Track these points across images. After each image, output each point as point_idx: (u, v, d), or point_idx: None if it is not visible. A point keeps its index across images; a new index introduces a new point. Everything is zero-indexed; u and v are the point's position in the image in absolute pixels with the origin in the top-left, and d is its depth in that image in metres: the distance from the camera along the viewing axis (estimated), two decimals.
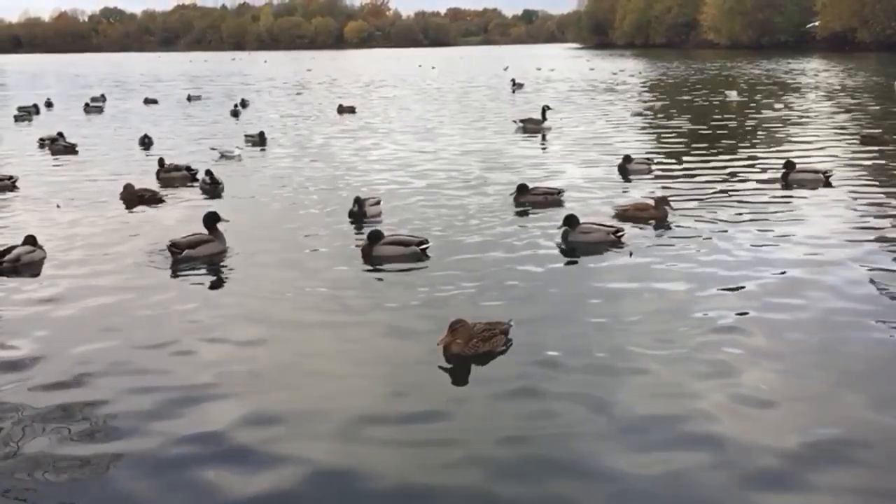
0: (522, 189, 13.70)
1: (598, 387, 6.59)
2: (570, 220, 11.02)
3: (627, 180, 15.87)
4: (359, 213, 12.57)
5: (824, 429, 5.91)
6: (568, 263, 10.27)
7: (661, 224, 11.75)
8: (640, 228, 11.68)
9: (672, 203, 12.31)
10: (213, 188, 15.26)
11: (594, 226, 11.05)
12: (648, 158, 17.41)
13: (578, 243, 10.80)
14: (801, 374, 6.79)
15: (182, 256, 10.43)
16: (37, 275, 10.14)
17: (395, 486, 5.32)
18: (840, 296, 8.67)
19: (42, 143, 22.70)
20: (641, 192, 14.52)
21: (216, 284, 9.74)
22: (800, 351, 7.29)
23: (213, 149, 20.54)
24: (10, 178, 16.46)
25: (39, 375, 7.01)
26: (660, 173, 16.59)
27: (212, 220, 10.84)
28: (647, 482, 5.29)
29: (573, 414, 6.17)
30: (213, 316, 8.47)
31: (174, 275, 10.06)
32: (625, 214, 12.20)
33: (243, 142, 22.16)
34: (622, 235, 10.82)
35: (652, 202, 12.28)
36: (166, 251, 10.65)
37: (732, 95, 35.11)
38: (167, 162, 17.32)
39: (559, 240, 11.04)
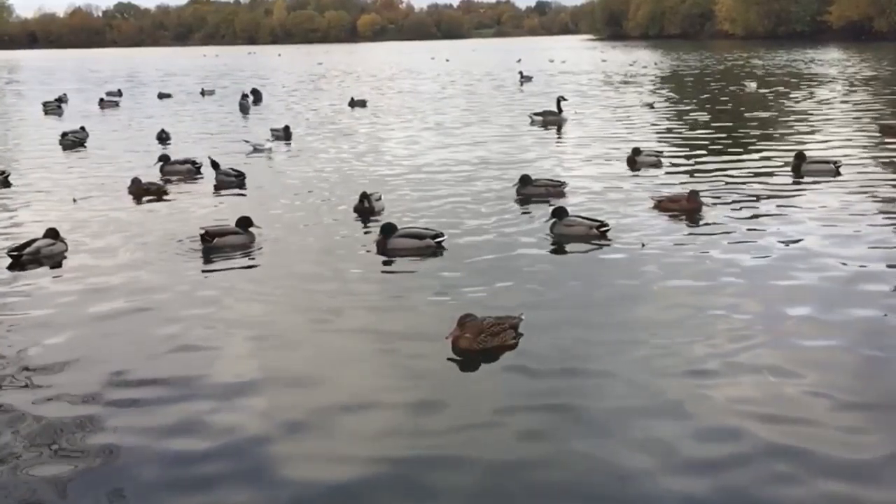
0: (525, 180, 13.68)
1: (607, 383, 6.54)
2: (558, 212, 11.06)
3: (636, 173, 15.76)
4: (366, 209, 12.55)
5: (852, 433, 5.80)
6: (577, 256, 10.21)
7: (693, 217, 11.70)
8: (670, 220, 11.65)
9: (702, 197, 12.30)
10: (238, 179, 15.45)
11: (578, 219, 11.07)
12: (658, 151, 17.31)
13: (562, 235, 10.85)
14: (819, 372, 6.68)
15: (213, 244, 10.62)
16: (58, 267, 10.23)
17: (397, 483, 5.30)
18: (854, 289, 8.58)
19: (65, 136, 22.75)
20: (650, 184, 14.50)
21: (235, 277, 9.70)
22: (818, 348, 7.15)
23: (245, 141, 20.79)
24: (2, 172, 16.35)
25: (62, 368, 7.03)
26: (670, 166, 16.48)
27: (244, 224, 11.01)
28: (660, 480, 5.23)
29: (583, 410, 6.12)
30: (229, 308, 8.49)
31: (192, 266, 10.09)
32: (659, 205, 12.27)
33: (270, 135, 22.31)
34: (606, 230, 10.80)
35: (685, 195, 12.26)
36: (181, 244, 10.92)
37: (751, 86, 34.74)
38: (180, 156, 17.44)
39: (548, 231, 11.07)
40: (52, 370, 7.01)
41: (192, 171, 16.74)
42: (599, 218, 11.27)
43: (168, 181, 16.04)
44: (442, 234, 10.56)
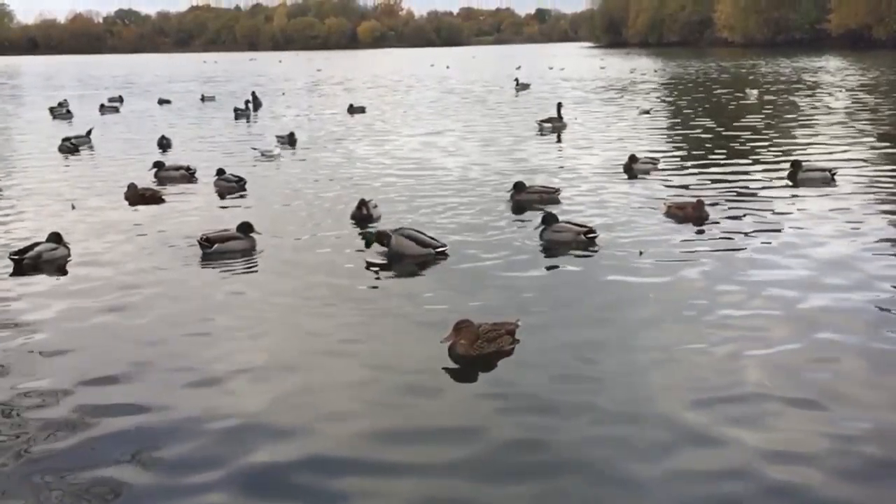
0: (519, 187, 13.73)
1: (605, 387, 6.56)
2: (548, 219, 11.13)
3: (632, 180, 15.81)
4: (363, 215, 12.58)
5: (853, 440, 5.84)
6: (574, 263, 10.22)
7: (699, 225, 11.75)
8: (669, 228, 11.71)
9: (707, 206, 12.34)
10: (238, 185, 15.61)
11: (567, 225, 11.13)
12: (654, 158, 17.36)
13: (551, 241, 10.92)
14: (821, 383, 6.66)
15: (212, 251, 10.65)
16: (61, 272, 10.25)
17: (396, 484, 5.33)
18: (855, 296, 8.60)
19: (66, 141, 22.73)
20: (646, 191, 14.54)
21: (236, 283, 9.71)
22: (819, 359, 7.10)
23: (253, 148, 20.92)
24: None
25: (62, 376, 7.02)
26: (669, 173, 16.51)
27: (245, 229, 11.07)
28: (658, 484, 5.26)
29: (580, 416, 6.13)
30: (230, 314, 8.50)
31: (191, 272, 10.11)
32: (668, 212, 12.36)
33: (276, 142, 22.41)
34: (594, 237, 10.86)
35: (693, 202, 12.32)
36: (181, 250, 10.98)
37: (752, 94, 34.82)
38: (180, 162, 17.58)
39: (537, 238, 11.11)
40: (50, 380, 6.96)
41: (185, 176, 16.85)
42: (594, 225, 11.32)
43: (163, 185, 16.12)
44: (444, 245, 10.59)
